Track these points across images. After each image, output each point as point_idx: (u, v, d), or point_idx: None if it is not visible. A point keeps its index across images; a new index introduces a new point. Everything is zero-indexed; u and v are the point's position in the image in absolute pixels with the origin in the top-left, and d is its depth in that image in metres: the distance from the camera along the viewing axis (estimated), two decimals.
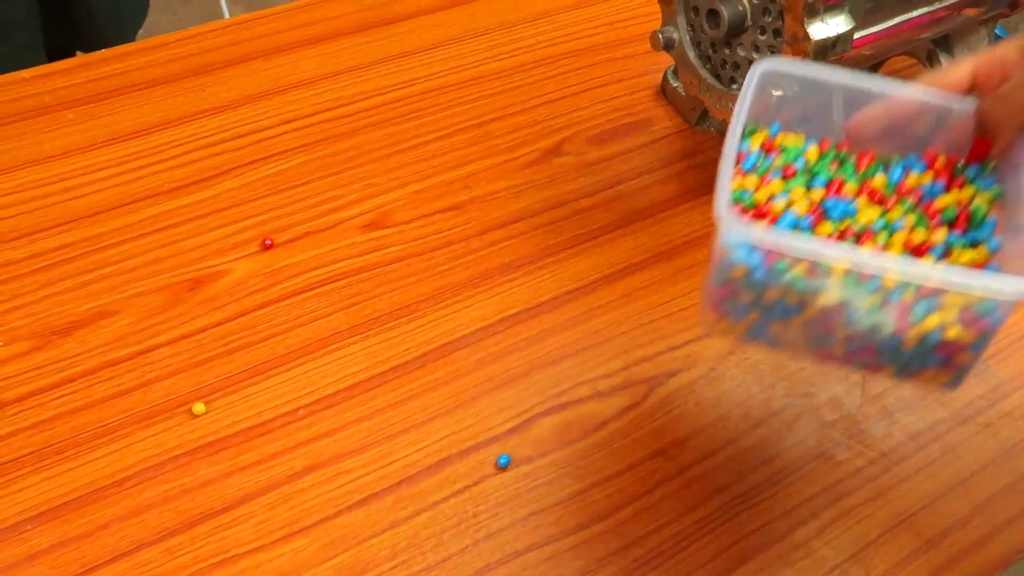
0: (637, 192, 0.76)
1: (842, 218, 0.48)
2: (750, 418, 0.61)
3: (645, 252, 0.71)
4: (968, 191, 0.50)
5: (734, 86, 0.70)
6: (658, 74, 0.85)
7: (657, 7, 0.73)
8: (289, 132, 0.77)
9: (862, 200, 0.49)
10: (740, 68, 0.69)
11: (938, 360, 0.45)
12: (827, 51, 0.62)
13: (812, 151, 0.52)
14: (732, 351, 0.65)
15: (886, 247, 0.47)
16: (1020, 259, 0.44)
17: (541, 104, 0.81)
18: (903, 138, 0.51)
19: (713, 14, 0.66)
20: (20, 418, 0.58)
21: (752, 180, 0.50)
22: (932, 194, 0.50)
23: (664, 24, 0.72)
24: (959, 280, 0.42)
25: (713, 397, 0.63)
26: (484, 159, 0.77)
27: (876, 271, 0.43)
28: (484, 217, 0.72)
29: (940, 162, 0.51)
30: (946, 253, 0.47)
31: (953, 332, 0.44)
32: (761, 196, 0.49)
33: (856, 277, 0.44)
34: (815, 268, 0.44)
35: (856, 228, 0.48)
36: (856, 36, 0.64)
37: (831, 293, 0.44)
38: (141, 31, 1.13)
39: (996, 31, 0.81)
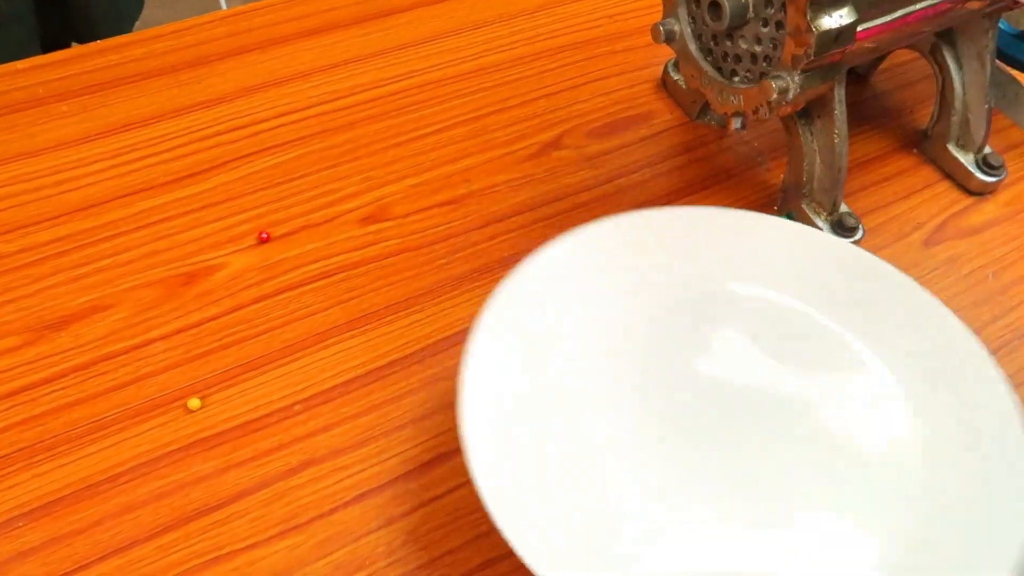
0: (638, 185, 0.75)
1: None
2: None
3: None
4: None
5: (735, 79, 0.69)
6: (659, 67, 0.84)
7: None
8: (286, 125, 0.76)
9: None
10: (742, 61, 0.68)
11: None
12: (830, 44, 0.61)
13: None
14: None
15: None
16: None
17: (540, 97, 0.80)
18: None
19: (715, 6, 0.65)
20: (11, 413, 0.57)
21: None
22: None
23: (665, 16, 0.71)
24: None
25: None
26: (483, 152, 0.76)
27: None
28: (483, 211, 0.72)
29: None
30: None
31: None
32: None
33: None
34: None
35: None
36: (859, 28, 0.63)
37: None
38: (138, 23, 1.13)
39: (1000, 24, 0.80)
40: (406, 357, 0.62)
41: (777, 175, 0.77)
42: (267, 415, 0.59)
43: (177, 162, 0.72)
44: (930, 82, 0.80)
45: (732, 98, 0.69)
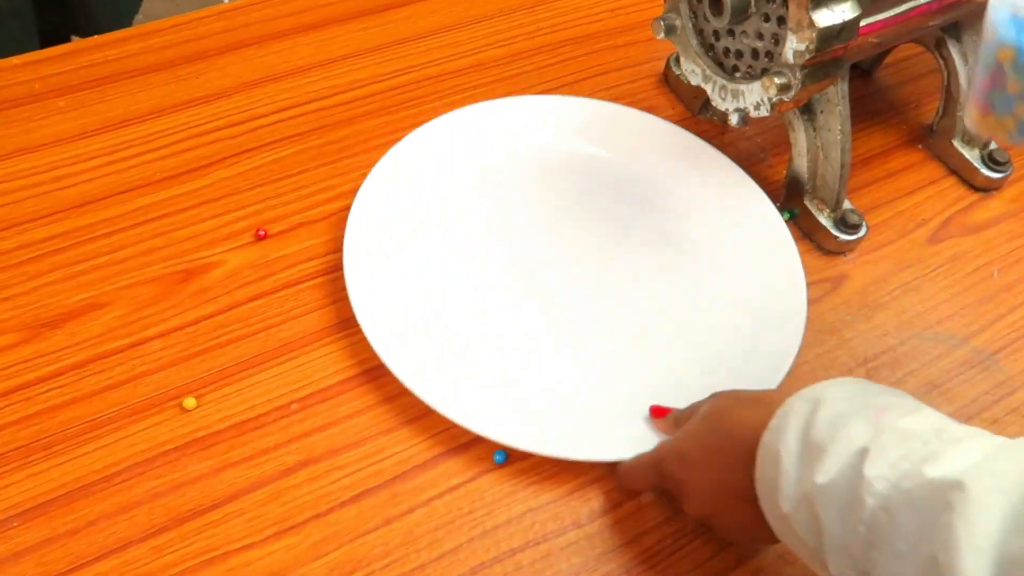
0: None
1: None
2: None
3: None
4: None
5: (737, 75, 0.69)
6: (660, 62, 0.83)
7: None
8: (284, 120, 0.75)
9: None
10: (743, 57, 0.67)
11: None
12: (832, 39, 0.60)
13: None
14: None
15: None
16: None
17: (541, 92, 0.79)
18: None
19: (716, 1, 0.65)
20: (7, 412, 0.57)
21: None
22: None
23: (666, 11, 0.71)
24: None
25: None
26: None
27: None
28: None
29: None
30: None
31: None
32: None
33: None
34: None
35: None
36: (863, 23, 0.63)
37: None
38: (139, 16, 1.12)
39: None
40: None
41: (780, 171, 0.76)
42: (263, 414, 0.58)
43: (174, 158, 0.72)
44: (935, 77, 0.79)
45: (732, 95, 0.68)
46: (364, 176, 0.68)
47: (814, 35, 0.60)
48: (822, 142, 0.70)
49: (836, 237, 0.70)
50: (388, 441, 0.58)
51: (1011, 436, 0.41)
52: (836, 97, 0.68)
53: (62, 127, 0.73)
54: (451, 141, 0.72)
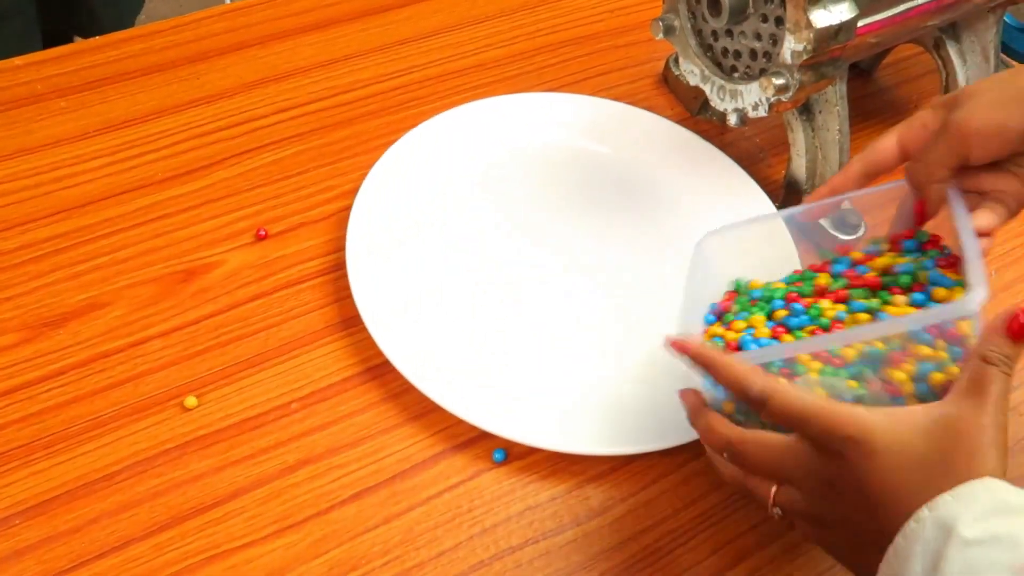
0: None
1: (802, 326, 0.52)
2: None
3: None
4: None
5: (735, 75, 0.69)
6: (660, 62, 0.83)
7: None
8: (285, 121, 0.76)
9: (824, 303, 0.53)
10: (741, 57, 0.68)
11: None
12: (830, 39, 0.61)
13: (775, 284, 0.56)
14: None
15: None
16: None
17: (541, 92, 0.80)
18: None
19: (714, 2, 0.65)
20: (9, 411, 0.57)
21: (718, 328, 0.54)
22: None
23: (665, 12, 0.71)
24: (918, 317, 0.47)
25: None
26: None
27: (839, 342, 0.47)
28: None
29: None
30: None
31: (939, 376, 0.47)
32: (731, 336, 0.53)
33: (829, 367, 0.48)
34: (791, 368, 0.48)
35: (822, 323, 0.51)
36: (861, 24, 0.63)
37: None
38: (142, 17, 1.12)
39: (1005, 18, 0.79)
40: None
41: (779, 171, 0.76)
42: (264, 413, 0.59)
43: (176, 158, 0.72)
44: (934, 77, 0.80)
45: (731, 95, 0.68)
46: (364, 176, 0.68)
47: (812, 35, 0.60)
48: (820, 142, 0.70)
49: (835, 237, 0.71)
50: (387, 440, 0.58)
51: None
52: (834, 97, 0.69)
53: (64, 127, 0.73)
54: (451, 139, 0.73)
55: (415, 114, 0.77)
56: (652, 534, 0.56)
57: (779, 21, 0.63)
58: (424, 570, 0.53)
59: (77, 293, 0.63)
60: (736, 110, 0.68)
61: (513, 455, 0.58)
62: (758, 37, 0.65)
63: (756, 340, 0.52)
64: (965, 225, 0.50)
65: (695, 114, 0.80)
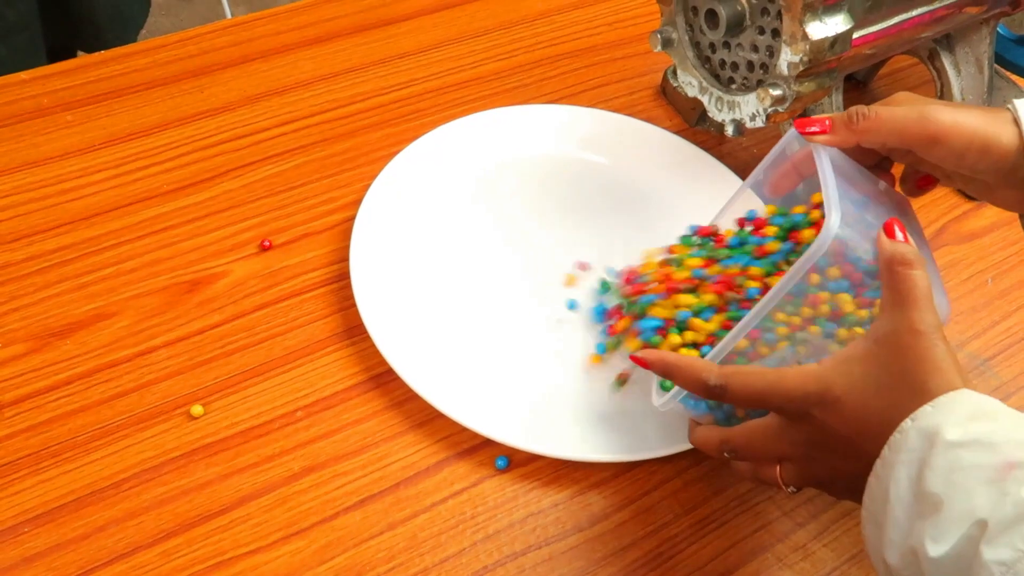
0: None
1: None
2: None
3: None
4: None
5: (733, 86, 0.70)
6: (658, 74, 0.84)
7: (657, 7, 0.73)
8: (288, 133, 0.77)
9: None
10: (739, 69, 0.69)
11: None
12: (826, 51, 0.62)
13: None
14: None
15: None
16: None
17: (541, 104, 0.81)
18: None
19: (712, 14, 0.66)
20: (17, 420, 0.58)
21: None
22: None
23: (663, 24, 0.72)
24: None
25: None
26: None
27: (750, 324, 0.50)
28: None
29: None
30: None
31: None
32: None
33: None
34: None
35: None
36: (856, 35, 0.64)
37: None
38: (144, 32, 1.13)
39: (999, 29, 0.80)
40: None
41: None
42: (269, 421, 0.59)
43: (180, 171, 0.73)
44: (929, 87, 0.81)
45: (728, 106, 0.69)
46: (367, 188, 0.69)
47: (808, 47, 0.61)
48: None
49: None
50: (391, 447, 0.59)
51: None
52: (831, 108, 0.70)
53: (69, 141, 0.74)
54: (452, 150, 0.74)
55: (416, 126, 0.78)
56: (653, 539, 0.57)
57: (776, 33, 0.64)
58: None
59: (83, 304, 0.64)
60: (733, 121, 0.69)
61: (515, 462, 0.59)
62: (755, 49, 0.66)
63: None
64: (824, 164, 0.51)
65: (693, 125, 0.81)
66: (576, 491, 0.58)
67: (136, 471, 0.56)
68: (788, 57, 0.63)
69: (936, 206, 0.78)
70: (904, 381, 0.45)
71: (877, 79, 0.87)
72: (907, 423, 0.43)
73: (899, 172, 0.58)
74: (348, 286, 0.64)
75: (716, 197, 0.68)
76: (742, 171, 0.75)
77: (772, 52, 0.65)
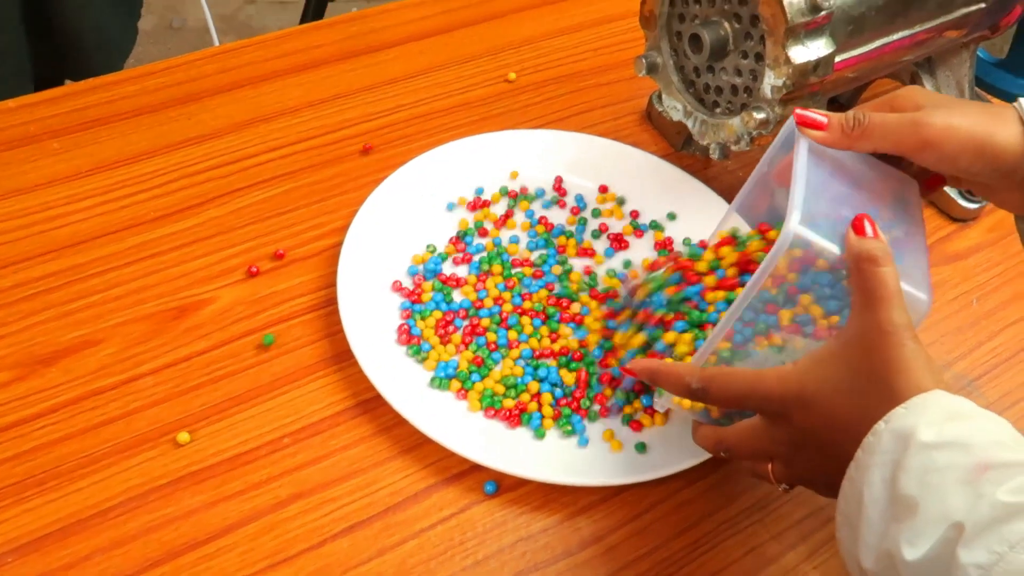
0: None
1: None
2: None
3: None
4: None
5: (717, 110, 0.70)
6: (643, 99, 0.85)
7: (641, 33, 0.73)
8: (275, 160, 0.77)
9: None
10: (723, 93, 0.69)
11: None
12: (808, 74, 0.62)
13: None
14: None
15: None
16: None
17: (527, 129, 0.81)
18: None
19: (695, 39, 0.67)
20: (1, 449, 0.57)
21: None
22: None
23: (648, 49, 0.73)
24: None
25: None
26: None
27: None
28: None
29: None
30: None
31: None
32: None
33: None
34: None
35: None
36: (838, 59, 0.65)
37: None
38: (132, 60, 1.14)
39: (978, 53, 0.81)
40: None
41: None
42: (256, 448, 0.59)
43: (167, 197, 0.73)
44: None
45: (713, 129, 0.70)
46: (354, 213, 0.69)
47: (791, 71, 0.62)
48: None
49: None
50: (379, 473, 0.59)
51: None
52: None
53: (56, 168, 0.74)
54: (439, 175, 0.74)
55: (403, 152, 0.78)
56: (644, 563, 0.57)
57: (759, 57, 0.65)
58: None
59: (70, 331, 0.64)
60: (719, 144, 0.69)
61: (504, 487, 0.59)
62: (739, 73, 0.67)
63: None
64: (799, 162, 0.51)
65: (679, 149, 0.81)
66: (566, 515, 0.58)
67: (122, 499, 0.56)
68: (772, 81, 0.63)
69: None
70: (872, 383, 0.45)
71: (860, 102, 0.88)
72: (880, 425, 0.43)
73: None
74: (335, 312, 0.64)
75: (703, 220, 0.69)
76: (728, 194, 0.75)
77: (756, 76, 0.66)
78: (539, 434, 0.60)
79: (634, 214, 0.74)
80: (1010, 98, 0.55)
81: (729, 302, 0.56)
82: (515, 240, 0.72)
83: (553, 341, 0.65)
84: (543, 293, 0.68)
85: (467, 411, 0.61)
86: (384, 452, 0.60)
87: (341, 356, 0.64)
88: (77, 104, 0.79)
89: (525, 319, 0.66)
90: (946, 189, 0.79)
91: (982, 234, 0.79)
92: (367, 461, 0.59)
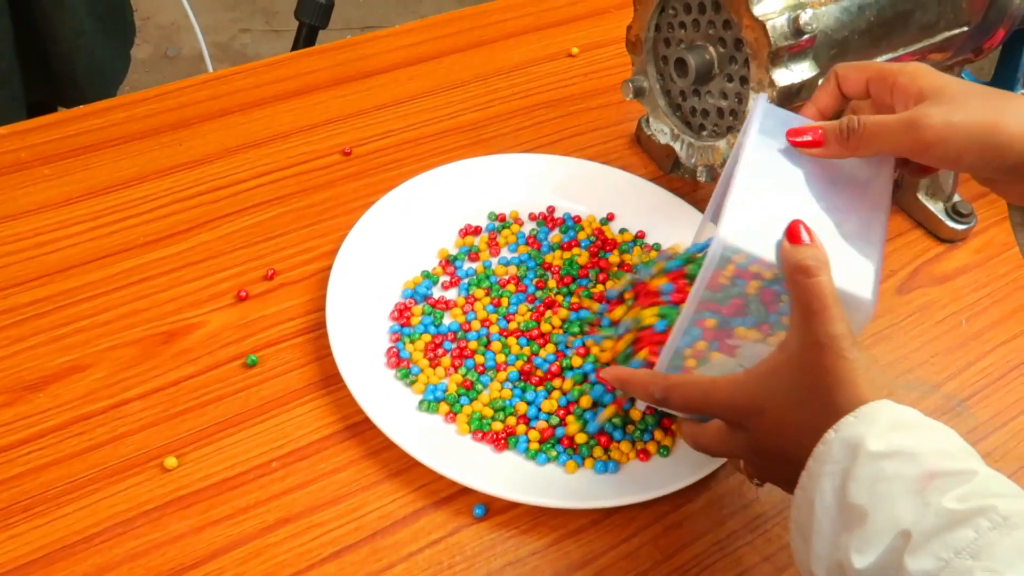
0: None
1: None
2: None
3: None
4: None
5: (704, 133, 0.71)
6: (632, 122, 0.86)
7: (628, 58, 0.74)
8: (265, 184, 0.77)
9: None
10: (709, 115, 0.70)
11: None
12: (792, 97, 0.63)
13: None
14: None
15: None
16: None
17: (517, 153, 0.81)
18: None
19: (681, 63, 0.67)
20: None
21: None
22: None
23: (635, 74, 0.73)
24: None
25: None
26: None
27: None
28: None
29: None
30: None
31: None
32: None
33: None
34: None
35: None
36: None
37: None
38: (127, 88, 1.14)
39: (962, 75, 0.82)
40: None
41: None
42: (244, 472, 0.59)
43: (158, 223, 0.73)
44: None
45: (700, 152, 0.70)
46: (343, 237, 0.70)
47: (774, 94, 0.62)
48: None
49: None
50: (367, 497, 0.59)
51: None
52: None
53: (46, 194, 0.74)
54: (429, 200, 0.74)
55: (393, 176, 0.78)
56: None
57: (744, 80, 0.65)
58: None
59: (58, 356, 0.64)
60: (706, 167, 0.70)
61: (493, 510, 0.59)
62: (724, 96, 0.68)
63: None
64: (746, 150, 0.51)
65: (667, 172, 0.82)
66: (555, 539, 0.58)
67: (108, 524, 0.56)
68: None
69: (909, 249, 0.79)
70: (814, 396, 0.45)
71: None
72: (831, 434, 0.43)
73: None
74: (324, 335, 0.64)
75: (691, 241, 0.69)
76: None
77: (741, 99, 0.66)
78: (530, 455, 0.60)
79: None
80: None
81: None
82: (504, 262, 0.72)
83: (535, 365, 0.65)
84: (524, 308, 0.68)
85: (456, 434, 0.61)
86: (372, 476, 0.60)
87: (330, 380, 0.64)
88: (68, 131, 0.79)
89: (511, 340, 0.66)
90: (932, 210, 0.79)
91: (970, 255, 0.79)
92: (355, 485, 0.59)
